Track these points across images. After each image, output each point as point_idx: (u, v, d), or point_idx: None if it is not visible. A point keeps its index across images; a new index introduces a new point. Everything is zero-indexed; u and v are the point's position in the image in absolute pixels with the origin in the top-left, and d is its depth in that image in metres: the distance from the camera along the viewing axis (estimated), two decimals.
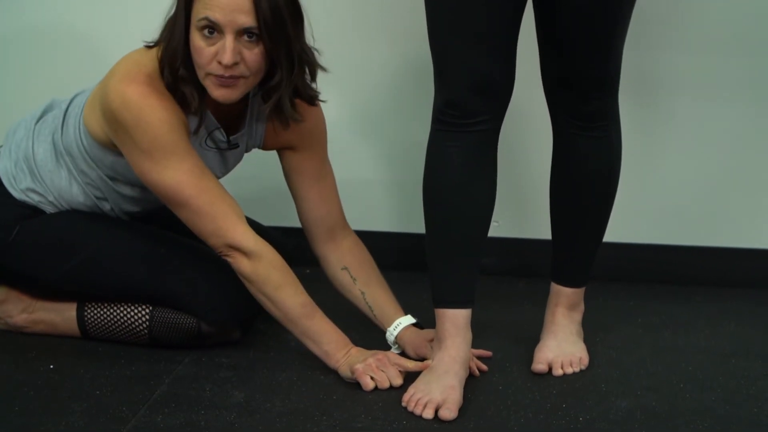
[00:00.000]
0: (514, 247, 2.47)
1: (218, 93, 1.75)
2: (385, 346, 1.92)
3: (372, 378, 1.77)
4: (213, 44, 1.72)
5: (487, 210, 1.81)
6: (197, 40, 1.73)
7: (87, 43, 2.44)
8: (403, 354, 1.91)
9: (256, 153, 2.10)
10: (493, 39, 1.69)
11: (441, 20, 1.70)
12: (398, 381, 1.78)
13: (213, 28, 1.71)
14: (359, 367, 1.77)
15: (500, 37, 1.70)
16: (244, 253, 1.79)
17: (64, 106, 1.97)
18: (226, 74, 1.73)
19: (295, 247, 2.22)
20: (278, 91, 1.80)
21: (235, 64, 1.72)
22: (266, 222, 2.27)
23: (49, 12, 2.44)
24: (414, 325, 1.93)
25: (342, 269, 1.99)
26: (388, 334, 1.93)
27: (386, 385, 1.77)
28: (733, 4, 2.28)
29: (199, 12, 1.71)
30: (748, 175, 2.40)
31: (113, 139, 1.82)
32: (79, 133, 1.90)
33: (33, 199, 1.96)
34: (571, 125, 1.83)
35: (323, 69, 1.86)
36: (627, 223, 2.38)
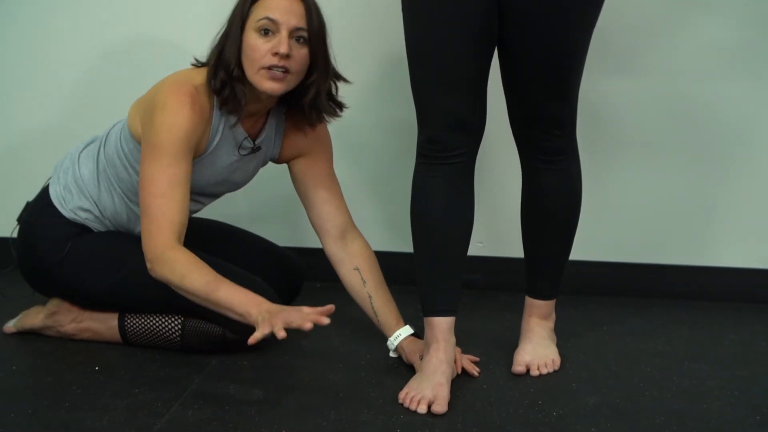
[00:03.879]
0: (496, 265, 2.48)
1: (268, 85, 1.80)
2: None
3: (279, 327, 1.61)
4: (268, 41, 1.78)
5: (466, 229, 1.81)
6: (253, 39, 1.79)
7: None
8: (399, 358, 1.94)
9: (275, 189, 2.13)
10: (465, 86, 1.72)
11: (421, 70, 1.73)
12: (307, 325, 1.60)
13: (269, 28, 1.78)
14: (259, 320, 1.64)
15: (472, 84, 1.73)
16: (150, 258, 1.76)
17: (105, 132, 2.01)
18: (280, 64, 1.78)
19: (307, 264, 2.26)
20: (315, 86, 1.86)
21: (288, 56, 1.78)
22: (282, 243, 2.30)
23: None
24: (412, 335, 1.94)
25: (354, 269, 1.98)
26: (389, 342, 1.95)
27: (288, 325, 1.60)
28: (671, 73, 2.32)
29: (259, 14, 1.78)
30: (697, 202, 2.41)
31: (141, 127, 1.85)
32: (120, 141, 1.94)
33: (81, 216, 1.99)
34: (535, 159, 1.85)
35: (347, 81, 1.92)
36: (594, 244, 2.40)
